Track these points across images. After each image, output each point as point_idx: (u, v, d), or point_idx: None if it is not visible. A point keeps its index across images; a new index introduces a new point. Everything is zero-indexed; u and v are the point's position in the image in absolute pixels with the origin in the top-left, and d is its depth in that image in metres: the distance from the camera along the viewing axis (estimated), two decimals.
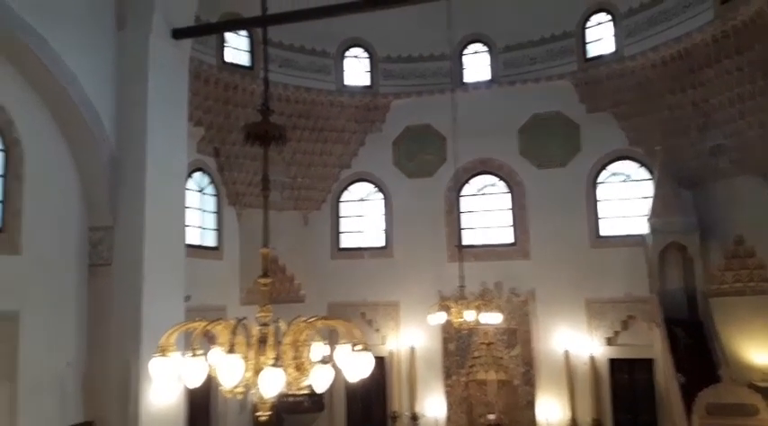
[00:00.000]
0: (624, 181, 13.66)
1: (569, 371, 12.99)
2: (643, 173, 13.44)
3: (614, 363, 12.97)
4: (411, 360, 13.97)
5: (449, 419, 13.68)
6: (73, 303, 8.62)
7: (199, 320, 3.91)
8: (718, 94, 11.55)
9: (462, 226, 14.18)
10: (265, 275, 4.21)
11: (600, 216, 13.61)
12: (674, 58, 11.89)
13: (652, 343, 12.32)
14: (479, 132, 13.70)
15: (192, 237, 11.90)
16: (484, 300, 11.44)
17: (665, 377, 11.50)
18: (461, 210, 14.43)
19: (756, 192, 11.52)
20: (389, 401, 14.01)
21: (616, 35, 13.13)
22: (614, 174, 13.70)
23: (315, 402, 12.82)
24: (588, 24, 13.66)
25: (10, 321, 7.64)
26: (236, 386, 3.65)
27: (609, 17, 13.32)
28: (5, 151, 7.90)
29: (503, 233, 14.26)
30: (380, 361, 13.66)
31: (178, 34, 9.41)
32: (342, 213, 15.27)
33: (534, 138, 13.98)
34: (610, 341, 13.01)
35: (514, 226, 14.14)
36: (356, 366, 3.66)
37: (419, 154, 14.64)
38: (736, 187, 11.89)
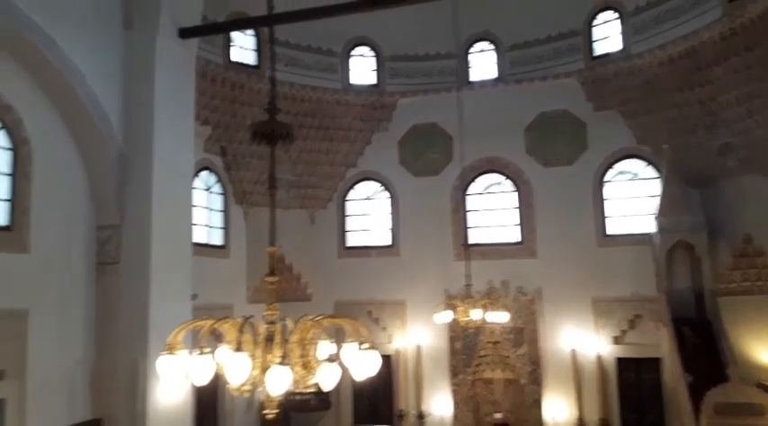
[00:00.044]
0: (631, 179, 13.61)
1: (576, 370, 12.96)
2: (650, 171, 13.39)
3: (621, 362, 12.93)
4: (417, 359, 13.98)
5: (455, 417, 13.68)
6: (81, 301, 8.66)
7: (206, 318, 3.92)
8: (725, 92, 11.49)
9: (469, 225, 14.18)
10: (272, 273, 4.22)
11: (607, 214, 13.57)
12: (682, 56, 11.83)
13: (659, 342, 12.27)
14: (486, 131, 13.68)
15: (199, 236, 11.94)
16: (490, 299, 11.41)
17: (673, 376, 11.45)
18: (468, 209, 14.43)
19: (765, 191, 11.45)
20: (396, 399, 14.03)
21: (623, 33, 13.08)
22: (621, 173, 13.65)
23: (321, 400, 12.83)
24: (595, 22, 13.61)
25: (19, 319, 7.69)
26: (243, 384, 3.66)
27: (616, 15, 13.27)
28: (14, 150, 7.94)
29: (509, 231, 14.23)
30: (387, 360, 13.66)
31: (185, 33, 9.44)
32: (348, 212, 15.28)
33: (541, 137, 13.95)
34: (617, 340, 12.97)
35: (521, 224, 14.11)
36: (363, 364, 3.66)
37: (425, 152, 14.63)
38: (745, 186, 11.82)
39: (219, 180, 13.32)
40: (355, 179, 15.16)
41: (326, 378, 3.73)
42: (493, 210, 14.46)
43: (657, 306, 12.20)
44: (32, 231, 7.97)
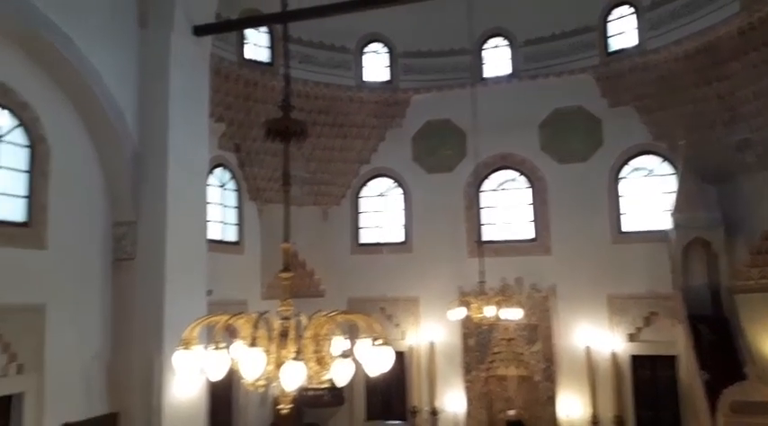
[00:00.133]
0: (647, 176, 13.48)
1: (590, 367, 12.90)
2: (666, 167, 13.26)
3: (636, 360, 12.84)
4: (431, 355, 13.97)
5: (468, 414, 13.67)
6: (98, 296, 8.77)
7: (221, 314, 3.96)
8: (743, 88, 11.35)
9: (482, 222, 14.14)
10: (286, 269, 4.25)
11: (622, 211, 13.46)
12: (699, 51, 11.69)
13: (675, 340, 12.17)
14: (500, 127, 13.63)
15: (214, 232, 12.02)
16: (504, 296, 11.41)
17: (689, 374, 11.37)
18: (481, 206, 14.38)
19: None
20: (409, 395, 14.03)
21: (639, 28, 12.95)
22: (637, 169, 13.53)
23: (335, 396, 12.88)
24: (610, 18, 13.48)
25: (37, 314, 7.80)
26: (257, 380, 3.70)
27: (632, 10, 13.14)
28: (32, 148, 8.04)
29: (523, 228, 14.17)
30: (400, 356, 13.67)
31: (199, 31, 9.50)
32: (361, 208, 15.29)
33: (556, 133, 13.85)
34: (632, 338, 12.88)
35: (535, 221, 14.04)
36: (376, 360, 3.66)
37: (439, 149, 14.59)
38: (763, 182, 11.64)
39: (233, 177, 13.39)
40: (368, 175, 15.17)
41: (340, 374, 3.74)
42: (507, 207, 14.40)
43: (673, 303, 12.09)
44: (50, 227, 8.07)
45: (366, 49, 14.78)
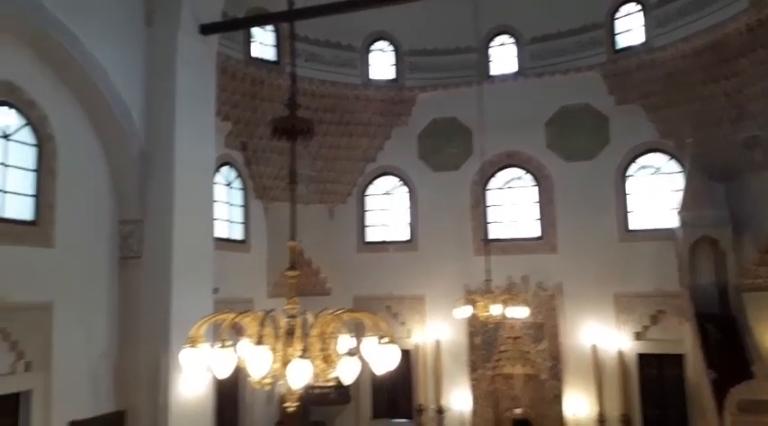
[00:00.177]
0: (654, 173, 13.43)
1: (597, 366, 12.86)
2: (673, 165, 13.20)
3: (643, 358, 12.79)
4: (437, 354, 13.97)
5: (475, 412, 13.66)
6: (104, 294, 8.81)
7: (227, 312, 3.96)
8: (751, 85, 11.28)
9: (488, 220, 14.12)
10: (293, 268, 4.25)
11: (629, 209, 13.41)
12: (706, 49, 11.63)
13: (682, 338, 12.12)
14: (506, 125, 13.59)
15: (220, 231, 12.03)
16: (510, 294, 11.38)
17: (696, 372, 11.32)
18: (487, 204, 14.36)
19: None
20: (415, 394, 14.04)
21: (646, 26, 12.88)
22: (644, 167, 13.47)
23: (341, 394, 12.89)
24: (617, 15, 13.42)
25: (44, 312, 7.84)
26: (264, 377, 3.70)
27: (639, 7, 13.08)
28: (39, 146, 8.08)
29: (530, 226, 14.13)
30: (406, 354, 13.61)
31: (206, 30, 9.52)
32: (367, 207, 15.29)
33: (562, 131, 13.81)
34: (638, 336, 12.83)
35: (542, 219, 14.00)
36: (383, 358, 3.67)
37: (445, 147, 14.56)
38: None
39: (240, 175, 13.41)
40: (374, 174, 15.16)
41: (346, 372, 3.75)
42: (513, 205, 14.36)
43: (680, 301, 12.04)
44: (57, 226, 8.11)
45: (372, 48, 14.76)
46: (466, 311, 10.64)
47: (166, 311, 8.56)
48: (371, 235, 15.17)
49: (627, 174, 13.50)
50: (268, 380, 3.75)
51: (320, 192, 14.67)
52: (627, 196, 13.45)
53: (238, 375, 3.85)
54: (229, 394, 11.80)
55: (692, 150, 12.07)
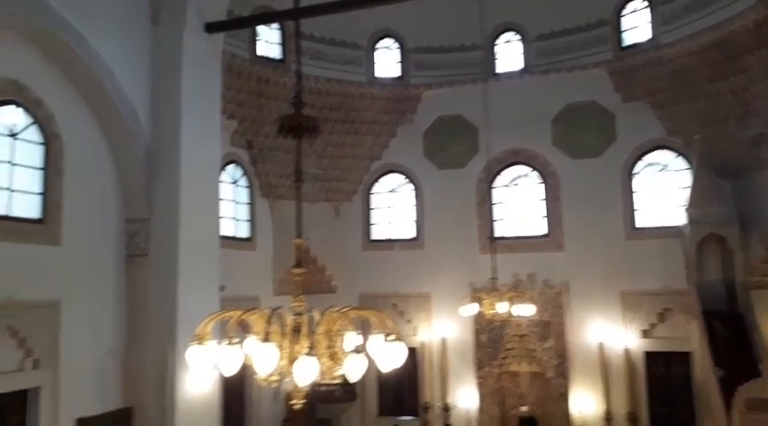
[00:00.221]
0: (661, 171, 13.37)
1: (603, 364, 12.83)
2: (680, 162, 13.14)
3: (650, 356, 12.76)
4: (443, 351, 13.97)
5: (481, 410, 13.65)
6: (111, 292, 8.85)
7: (234, 309, 3.97)
8: (758, 82, 11.20)
9: (494, 218, 14.10)
10: (299, 265, 4.26)
11: (636, 207, 13.36)
12: (713, 46, 11.56)
13: (689, 336, 12.07)
14: (512, 122, 13.57)
15: (226, 229, 12.06)
16: (517, 292, 11.38)
17: (703, 370, 11.28)
18: (493, 202, 14.32)
19: None
20: (421, 391, 14.04)
21: (652, 23, 12.82)
22: (650, 165, 13.42)
23: (347, 391, 12.90)
24: (624, 12, 13.37)
25: (52, 309, 7.88)
26: (270, 375, 3.71)
27: (645, 4, 13.02)
28: (46, 145, 8.12)
29: (536, 224, 14.10)
30: (412, 352, 13.64)
31: (211, 28, 9.53)
32: (373, 204, 15.29)
33: (568, 128, 13.76)
34: (645, 334, 12.79)
35: (548, 217, 13.97)
36: (389, 356, 3.67)
37: (450, 145, 14.54)
38: None
39: (246, 173, 13.43)
40: (380, 172, 15.16)
41: (353, 369, 3.75)
42: (519, 203, 14.34)
43: (687, 299, 11.99)
44: (64, 224, 8.15)
45: (377, 45, 14.75)
46: (472, 309, 10.63)
47: (173, 309, 8.59)
48: (377, 232, 15.17)
49: (633, 172, 13.45)
50: (275, 377, 3.76)
51: (326, 190, 14.68)
52: (633, 193, 13.41)
53: (245, 372, 3.85)
54: (236, 392, 11.84)
55: (698, 147, 12.01)
